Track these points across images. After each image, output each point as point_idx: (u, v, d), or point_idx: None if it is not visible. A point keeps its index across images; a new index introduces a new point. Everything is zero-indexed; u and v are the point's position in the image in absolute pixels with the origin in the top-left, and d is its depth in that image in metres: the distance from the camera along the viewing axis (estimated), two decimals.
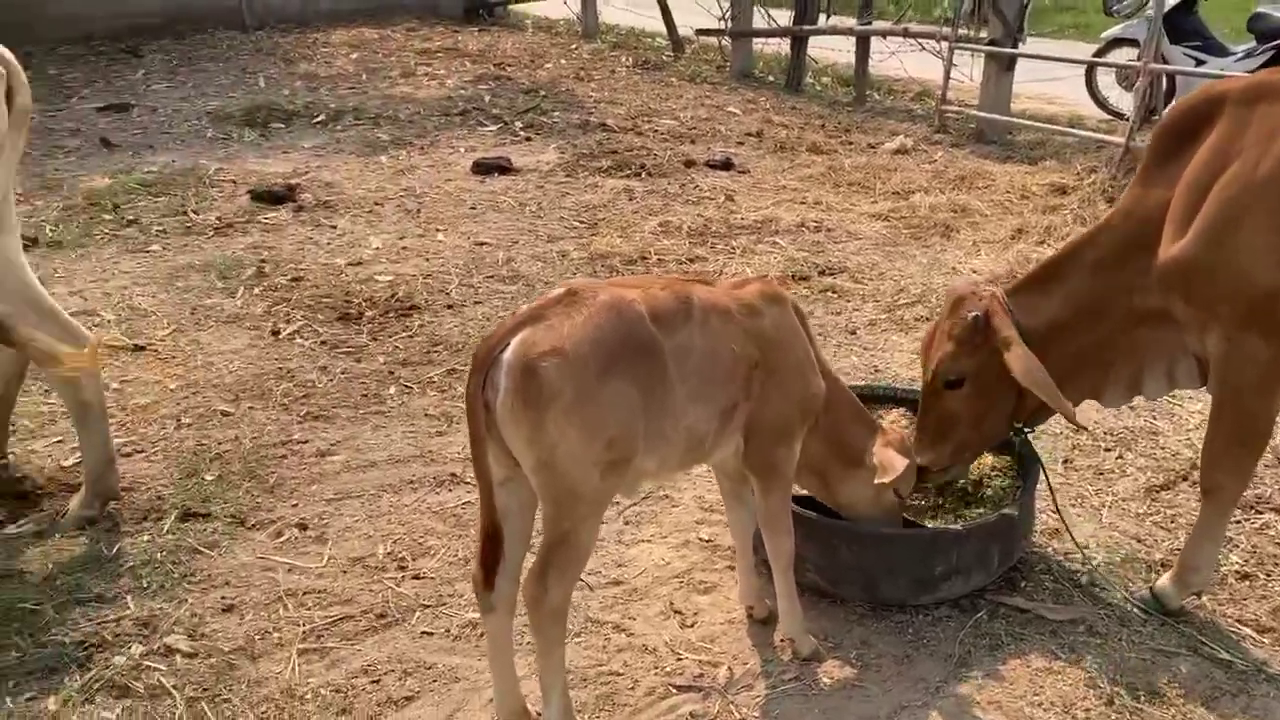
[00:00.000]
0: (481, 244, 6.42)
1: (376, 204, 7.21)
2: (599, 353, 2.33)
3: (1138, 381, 3.10)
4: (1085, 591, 3.20)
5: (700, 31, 13.27)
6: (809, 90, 11.55)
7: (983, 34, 9.11)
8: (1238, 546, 3.44)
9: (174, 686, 2.83)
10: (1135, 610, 3.09)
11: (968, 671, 2.87)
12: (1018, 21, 8.80)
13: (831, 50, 11.89)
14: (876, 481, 2.89)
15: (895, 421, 3.60)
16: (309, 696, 2.82)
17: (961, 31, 9.28)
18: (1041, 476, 3.27)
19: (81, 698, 2.78)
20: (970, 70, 9.67)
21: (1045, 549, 3.42)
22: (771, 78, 12.10)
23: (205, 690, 2.83)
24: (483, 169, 7.95)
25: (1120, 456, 4.01)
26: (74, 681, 2.83)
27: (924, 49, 10.11)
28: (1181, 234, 2.86)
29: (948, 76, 9.42)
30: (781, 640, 2.99)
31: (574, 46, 13.98)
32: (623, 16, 16.08)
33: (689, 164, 8.29)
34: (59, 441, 4.05)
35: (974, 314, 3.04)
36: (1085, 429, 3.15)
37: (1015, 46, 8.96)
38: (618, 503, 3.75)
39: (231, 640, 3.03)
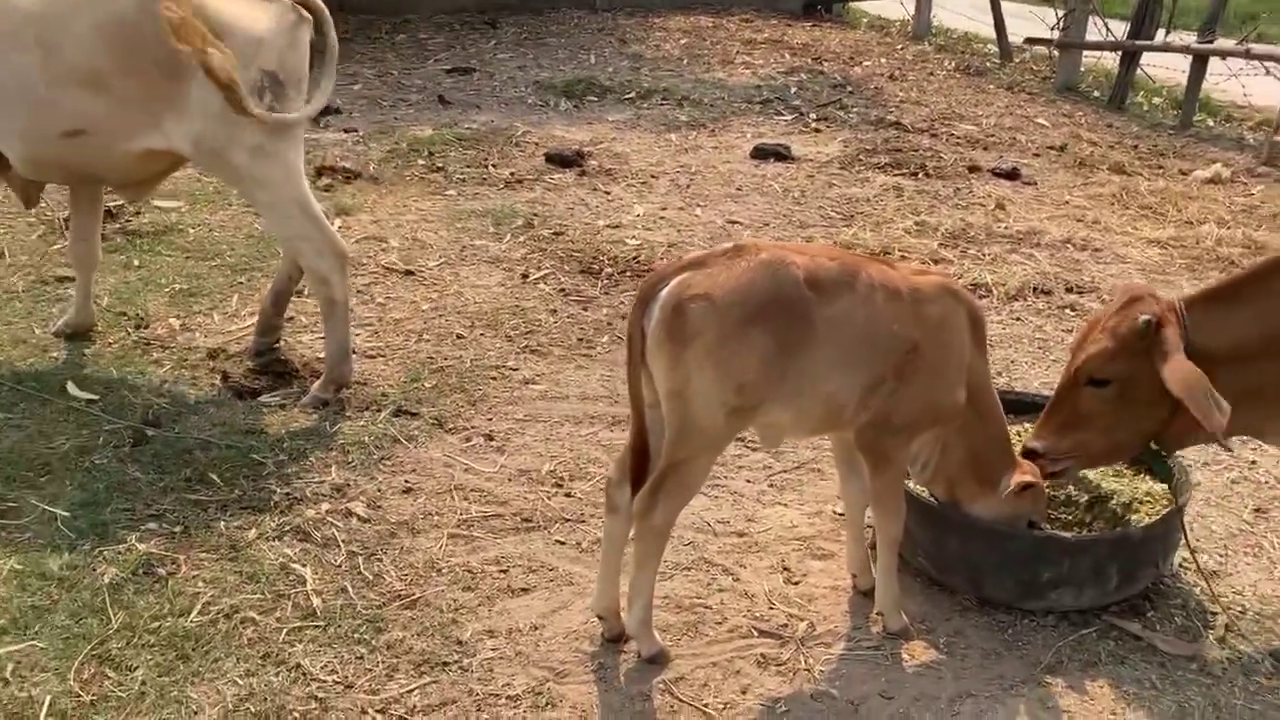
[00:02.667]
0: (733, 222, 6.68)
1: (653, 176, 7.65)
2: (745, 303, 2.54)
3: None
4: (1219, 637, 2.99)
5: (1029, 40, 12.71)
6: (1133, 109, 10.77)
7: None
8: None
9: (343, 540, 3.35)
10: (1267, 663, 2.85)
11: (1050, 679, 2.80)
12: None
13: (1168, 69, 11.00)
14: (1005, 497, 2.89)
15: None
16: (445, 570, 3.25)
17: None
18: (1184, 512, 3.07)
19: (274, 534, 3.36)
20: None
21: (1191, 587, 3.20)
22: (1097, 93, 11.38)
23: (365, 549, 3.33)
24: (761, 154, 8.19)
25: None
26: (272, 521, 3.42)
27: (1269, 73, 9.14)
28: None
29: None
30: (876, 613, 3.05)
31: (900, 46, 13.83)
32: (958, 21, 15.67)
33: (973, 169, 8.07)
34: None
35: (1145, 317, 2.85)
36: (1231, 450, 2.89)
37: None
38: (769, 466, 3.91)
39: (400, 515, 3.52)
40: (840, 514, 3.58)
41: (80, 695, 2.65)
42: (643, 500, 2.68)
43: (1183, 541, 3.09)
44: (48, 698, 2.62)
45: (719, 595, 3.17)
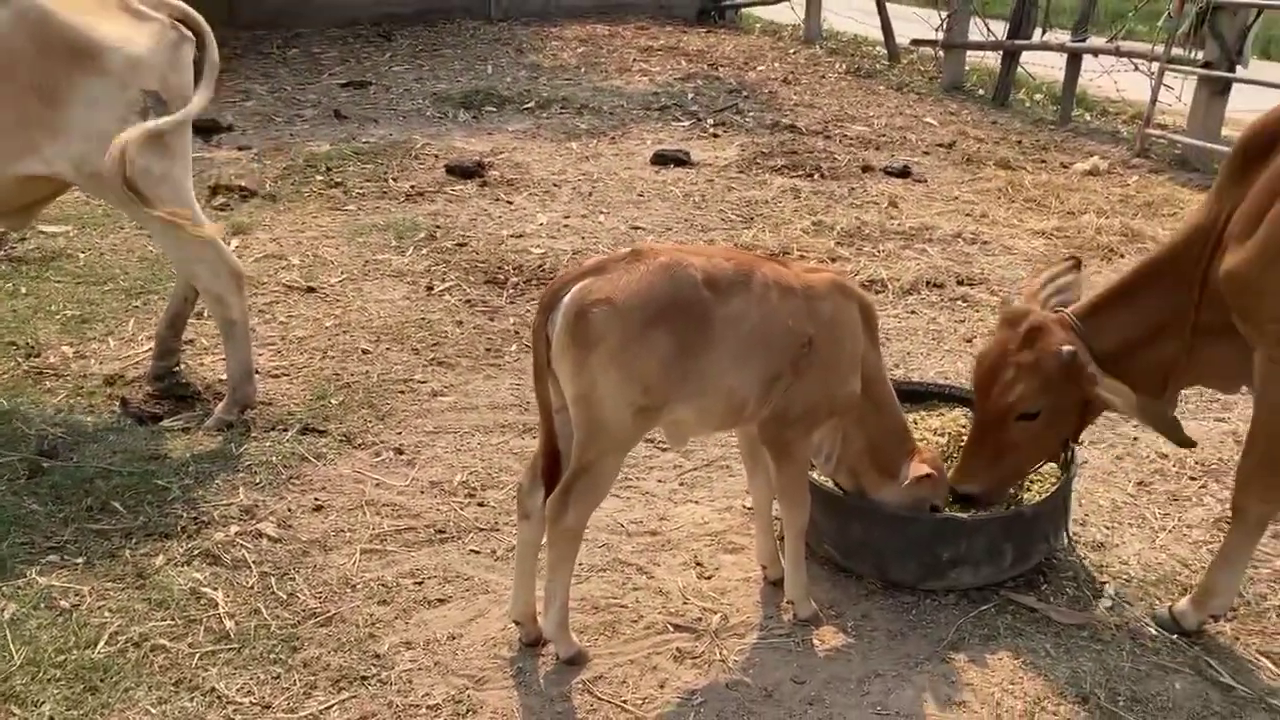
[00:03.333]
0: (637, 228, 6.77)
1: (555, 185, 7.70)
2: (646, 306, 2.60)
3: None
4: (1109, 606, 3.16)
5: (915, 42, 13.13)
6: (1015, 106, 11.21)
7: (1199, 55, 8.59)
8: None
9: (254, 562, 3.32)
10: (1150, 628, 3.03)
11: (954, 654, 2.93)
12: (1238, 44, 8.25)
13: (1048, 67, 11.48)
14: (905, 486, 3.01)
15: (955, 419, 3.66)
16: (359, 586, 3.24)
17: (1177, 52, 8.78)
18: (1070, 487, 3.25)
19: (183, 560, 3.31)
20: (1184, 93, 9.13)
21: (1082, 559, 3.38)
22: (981, 91, 11.82)
23: (278, 569, 3.30)
24: (661, 160, 8.30)
25: (1204, 486, 3.85)
26: (179, 547, 3.36)
27: (1136, 69, 9.62)
28: (1239, 249, 2.81)
29: (1155, 98, 8.95)
30: (786, 602, 3.14)
31: (793, 51, 14.13)
32: (848, 24, 16.08)
33: (866, 169, 8.31)
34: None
35: (1066, 349, 2.99)
36: (1194, 444, 3.06)
37: (1233, 70, 8.40)
38: (679, 465, 3.99)
39: (311, 534, 3.50)
40: (749, 508, 3.67)
41: None
42: (554, 504, 2.73)
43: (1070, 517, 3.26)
44: None
45: (634, 594, 3.23)
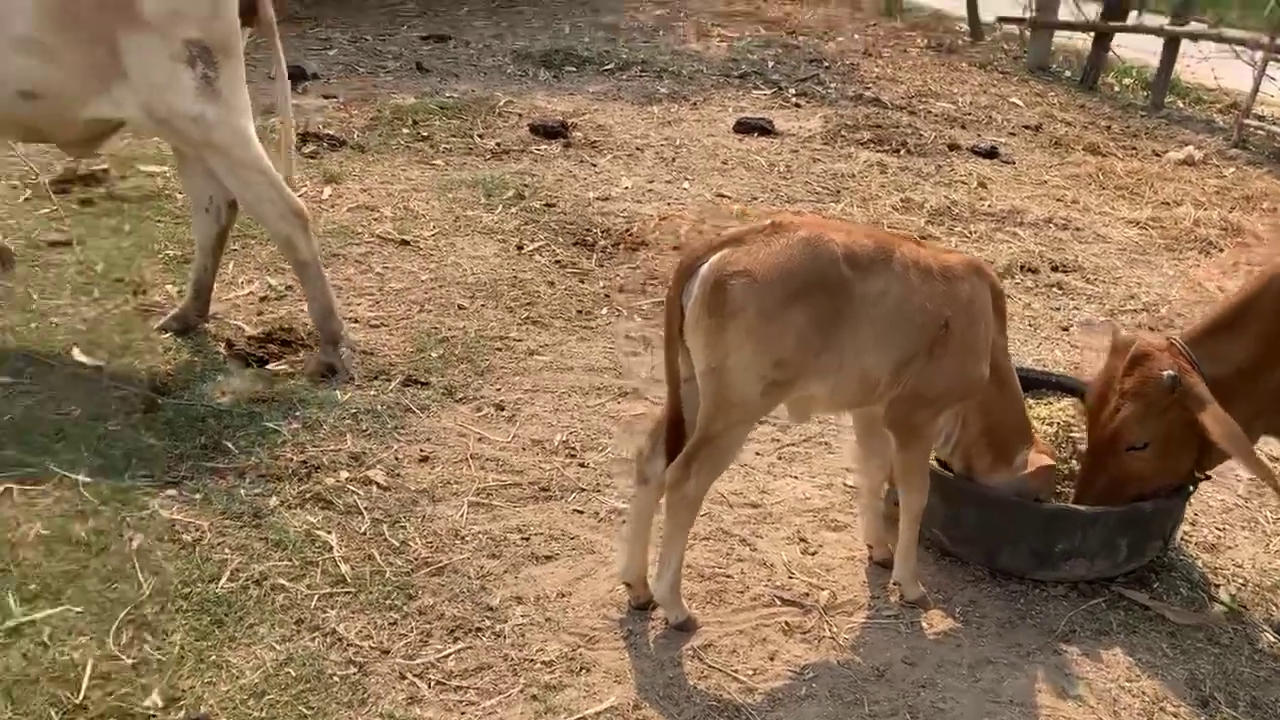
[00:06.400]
0: (722, 196, 6.73)
1: (638, 149, 7.67)
2: (785, 280, 2.59)
3: None
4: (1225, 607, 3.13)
5: (1002, 19, 12.86)
6: (1105, 90, 10.97)
7: None
8: None
9: (365, 508, 3.38)
10: (1268, 634, 3.00)
11: (1066, 647, 2.92)
12: None
13: (1141, 52, 11.20)
14: (1021, 475, 2.99)
15: (1064, 409, 3.62)
16: (468, 538, 3.29)
17: None
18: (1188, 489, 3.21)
19: (295, 502, 3.38)
20: None
21: (1194, 559, 3.34)
22: (1069, 73, 11.57)
23: (389, 516, 3.36)
24: (744, 128, 8.23)
25: None
26: (292, 490, 3.43)
27: (1238, 57, 9.35)
28: None
29: (1257, 87, 8.72)
30: (893, 584, 3.14)
31: (873, 23, 13.91)
32: None
33: (952, 147, 8.20)
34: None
35: (1168, 373, 2.92)
36: None
37: None
38: (777, 439, 3.99)
39: (419, 484, 3.55)
40: (851, 486, 3.68)
41: (120, 658, 2.67)
42: (676, 471, 2.74)
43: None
44: (90, 661, 2.63)
45: (739, 565, 3.25)
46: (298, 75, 8.99)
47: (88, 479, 3.32)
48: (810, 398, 2.80)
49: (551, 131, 7.77)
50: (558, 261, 5.52)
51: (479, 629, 2.91)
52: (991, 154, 8.05)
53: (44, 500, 3.24)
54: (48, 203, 5.59)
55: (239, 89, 4.00)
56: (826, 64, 11.00)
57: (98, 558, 3.02)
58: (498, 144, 7.50)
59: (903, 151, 7.97)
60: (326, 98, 8.47)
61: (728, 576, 3.18)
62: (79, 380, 3.94)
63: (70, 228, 5.28)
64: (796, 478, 3.75)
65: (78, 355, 4.10)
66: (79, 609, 2.81)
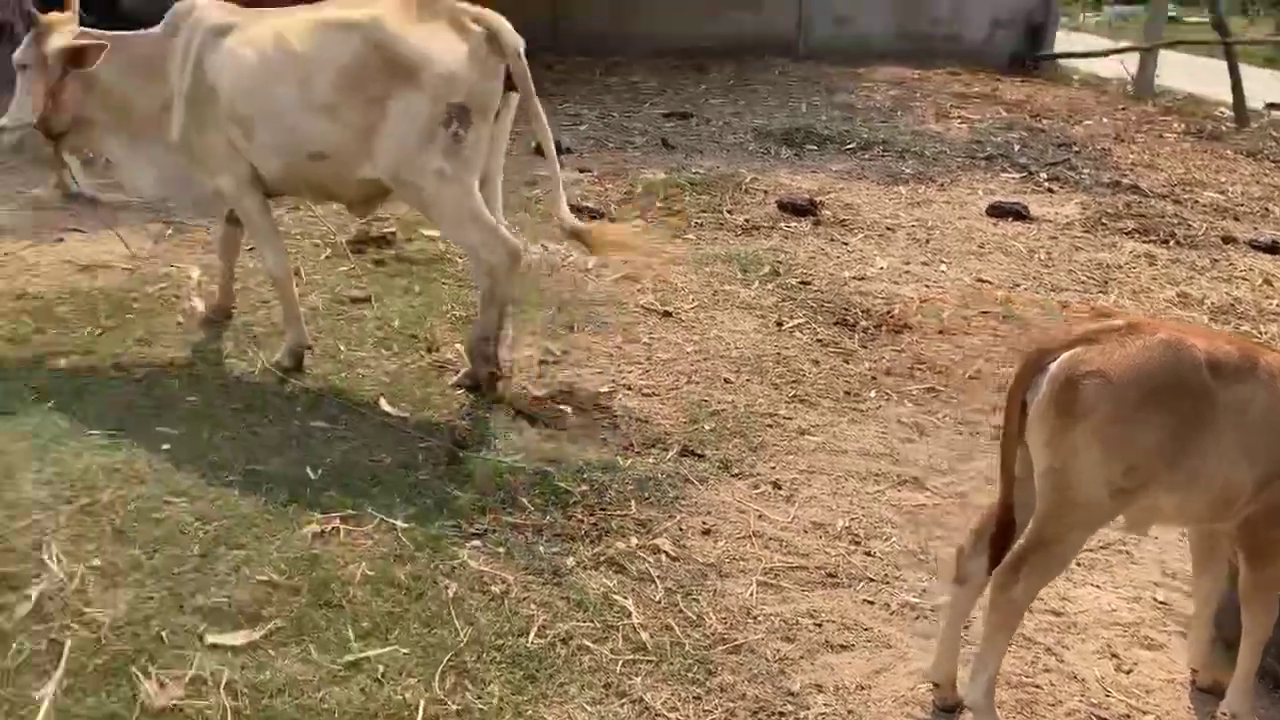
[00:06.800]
0: (982, 281, 6.58)
1: (888, 229, 7.62)
2: (1142, 384, 2.49)
3: None
4: None
5: (1271, 105, 12.12)
6: None
7: None
8: None
9: (658, 576, 3.43)
10: None
11: None
12: None
13: None
14: None
15: None
16: (760, 618, 3.28)
17: None
18: None
19: (591, 563, 3.48)
20: None
21: None
22: None
23: (681, 587, 3.40)
24: (998, 212, 8.05)
25: None
26: (586, 550, 3.54)
27: None
28: None
29: None
30: (1223, 713, 2.91)
31: (1120, 107, 13.40)
32: (1182, 81, 15.09)
33: (1227, 240, 7.73)
34: (643, 393, 4.93)
35: None
36: None
37: None
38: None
39: (706, 557, 3.58)
40: (1162, 602, 3.46)
41: (445, 703, 2.79)
42: (1005, 574, 2.65)
43: None
44: (420, 702, 2.76)
45: (1047, 675, 3.10)
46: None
47: (405, 524, 3.53)
48: (1155, 508, 2.65)
49: (800, 209, 7.83)
50: (819, 340, 5.52)
51: (781, 713, 2.89)
52: (1273, 249, 7.53)
53: (365, 542, 3.45)
54: (346, 261, 6.06)
55: (479, 151, 4.26)
56: (1076, 148, 10.65)
57: (417, 602, 3.19)
58: (747, 220, 7.62)
59: (1172, 243, 7.57)
60: (581, 171, 8.87)
61: (1037, 687, 3.04)
62: (387, 429, 4.21)
63: (367, 285, 5.70)
64: (1099, 587, 3.56)
65: (384, 406, 4.39)
66: (405, 650, 2.97)
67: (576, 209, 7.47)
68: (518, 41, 4.24)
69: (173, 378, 4.51)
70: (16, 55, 4.59)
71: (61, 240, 6.22)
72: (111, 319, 5.09)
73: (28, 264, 5.78)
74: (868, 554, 3.68)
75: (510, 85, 4.25)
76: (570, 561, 3.47)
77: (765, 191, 8.43)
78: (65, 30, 4.58)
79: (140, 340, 4.87)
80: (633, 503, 3.85)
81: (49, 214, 6.74)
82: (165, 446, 3.93)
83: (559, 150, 9.46)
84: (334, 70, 4.13)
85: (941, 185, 8.99)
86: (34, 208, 6.81)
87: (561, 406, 4.54)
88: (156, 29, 4.55)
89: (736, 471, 4.16)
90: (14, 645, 2.88)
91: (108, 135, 4.74)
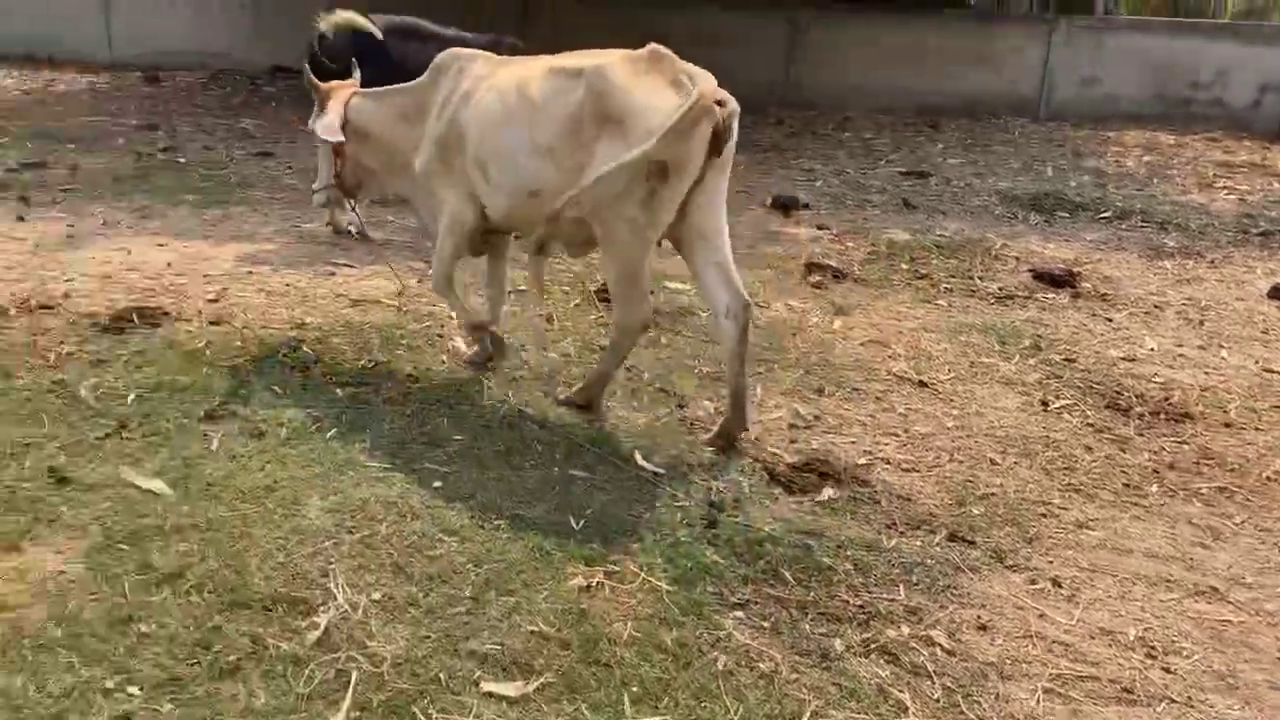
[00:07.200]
0: (1271, 371, 5.99)
1: (1155, 306, 7.10)
2: None
3: None
4: None
5: None
6: None
7: None
8: None
9: (934, 672, 3.22)
10: None
11: None
12: None
13: None
14: None
15: None
16: None
17: None
18: None
19: (860, 649, 3.30)
20: None
21: None
22: None
23: (960, 686, 3.17)
24: None
25: None
26: (855, 634, 3.36)
27: None
28: None
29: None
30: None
31: None
32: None
33: None
34: (825, 441, 4.75)
35: None
36: None
37: None
38: None
39: (984, 655, 3.33)
40: None
41: None
42: None
43: None
44: None
45: None
46: (790, 204, 9.45)
47: (669, 586, 3.47)
48: None
49: (1057, 280, 7.41)
50: (1090, 424, 5.14)
51: None
52: None
53: (630, 600, 3.41)
54: (595, 309, 6.15)
55: (672, 206, 4.29)
56: None
57: (685, 671, 3.10)
58: (1000, 288, 7.28)
59: None
60: (820, 228, 8.76)
61: None
62: (644, 484, 4.19)
63: None
64: None
65: (639, 460, 4.37)
66: None
67: (818, 267, 7.42)
68: (733, 107, 4.23)
69: (440, 415, 4.65)
70: (311, 124, 5.29)
71: (333, 274, 6.61)
72: (382, 352, 5.34)
73: (305, 296, 6.17)
74: (1166, 670, 3.33)
75: (715, 150, 4.25)
76: (839, 645, 3.30)
77: (1017, 258, 8.06)
78: (343, 92, 5.22)
79: (409, 376, 5.07)
80: (901, 587, 3.65)
81: (321, 248, 7.22)
82: (436, 484, 4.04)
83: (796, 205, 9.50)
84: (559, 115, 4.34)
85: (1212, 262, 8.34)
86: (308, 240, 7.30)
87: (817, 475, 4.39)
88: (422, 79, 4.97)
89: (1011, 563, 3.88)
90: (306, 671, 2.98)
91: (389, 178, 5.29)
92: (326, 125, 5.08)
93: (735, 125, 4.25)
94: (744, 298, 4.47)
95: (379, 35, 7.22)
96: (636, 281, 4.44)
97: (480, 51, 4.94)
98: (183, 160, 9.98)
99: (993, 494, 4.37)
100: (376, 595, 3.33)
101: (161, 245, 7.06)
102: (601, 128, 4.22)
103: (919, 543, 3.94)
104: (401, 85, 5.06)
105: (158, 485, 3.87)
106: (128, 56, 16.20)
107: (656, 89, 4.17)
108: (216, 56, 16.19)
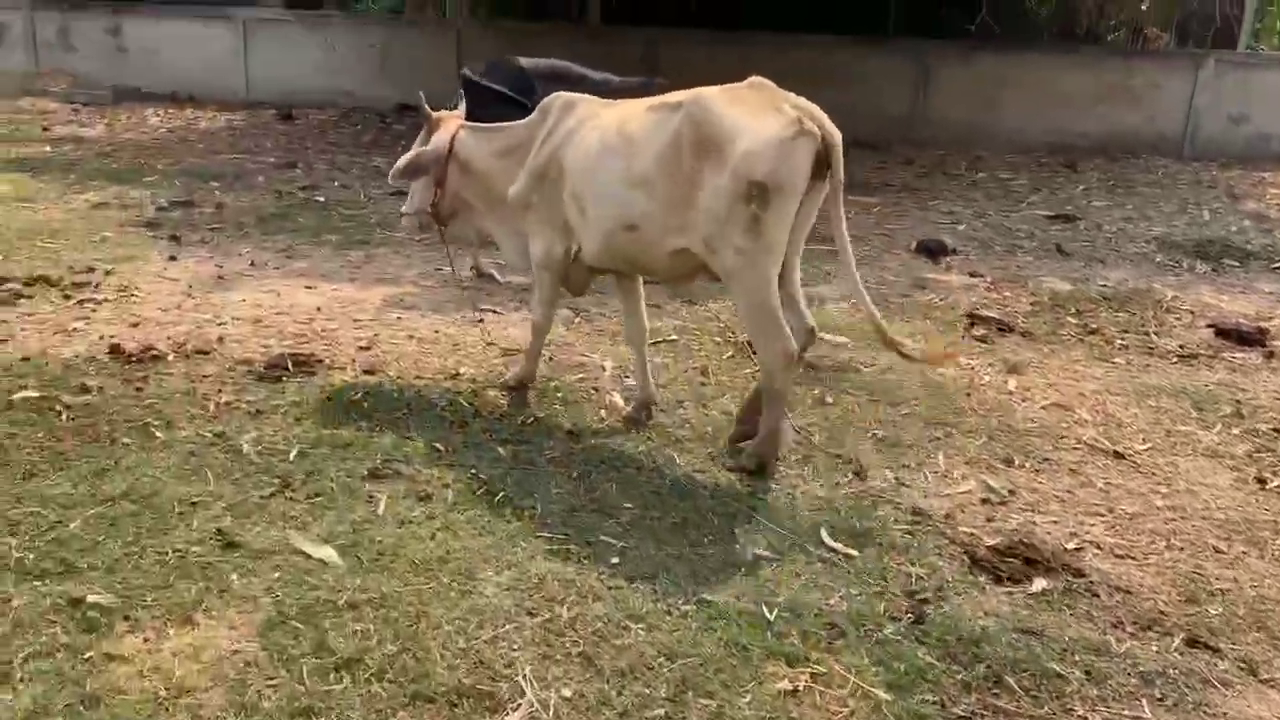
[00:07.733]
0: None
1: None
2: None
3: None
4: None
5: None
6: None
7: None
8: None
9: None
10: None
11: None
12: None
13: None
14: None
15: None
16: None
17: None
18: None
19: None
20: None
21: None
22: None
23: None
24: None
25: None
26: None
27: None
28: None
29: None
30: None
31: None
32: None
33: None
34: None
35: None
36: None
37: None
38: None
39: None
40: None
41: None
42: None
43: None
44: None
45: None
46: (938, 250, 9.03)
47: (886, 695, 3.11)
48: None
49: (1244, 338, 6.84)
50: None
51: None
52: None
53: (841, 709, 3.07)
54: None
55: (780, 233, 4.22)
56: None
57: None
58: (1180, 346, 6.74)
59: None
60: (973, 275, 8.32)
61: None
62: (834, 568, 3.84)
63: None
64: None
65: (826, 538, 4.04)
66: None
67: (979, 319, 6.99)
68: (835, 133, 4.18)
69: (607, 480, 4.39)
70: (415, 147, 5.41)
71: (481, 320, 6.45)
72: (539, 406, 5.11)
73: (455, 344, 6.01)
74: None
75: (819, 174, 4.20)
76: None
77: (1192, 313, 7.50)
78: (452, 124, 5.28)
79: (569, 433, 4.83)
80: (1144, 702, 3.22)
81: (464, 292, 7.08)
82: (614, 560, 3.77)
83: (944, 250, 9.07)
84: (657, 145, 4.34)
85: None
86: (453, 286, 7.17)
87: (1023, 562, 3.98)
88: (529, 118, 5.00)
89: (1266, 677, 3.42)
90: None
91: (484, 216, 5.30)
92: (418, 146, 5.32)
93: (839, 156, 4.19)
94: (809, 322, 4.59)
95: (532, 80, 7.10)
96: (765, 313, 4.31)
97: (586, 96, 4.91)
98: (321, 199, 10.05)
99: (1227, 590, 3.90)
100: (566, 692, 3.05)
101: (309, 288, 7.01)
102: (702, 159, 4.19)
103: (1154, 647, 3.51)
104: (509, 124, 5.10)
105: (327, 553, 3.67)
106: (262, 94, 16.64)
107: (755, 114, 4.16)
108: (345, 95, 16.50)
